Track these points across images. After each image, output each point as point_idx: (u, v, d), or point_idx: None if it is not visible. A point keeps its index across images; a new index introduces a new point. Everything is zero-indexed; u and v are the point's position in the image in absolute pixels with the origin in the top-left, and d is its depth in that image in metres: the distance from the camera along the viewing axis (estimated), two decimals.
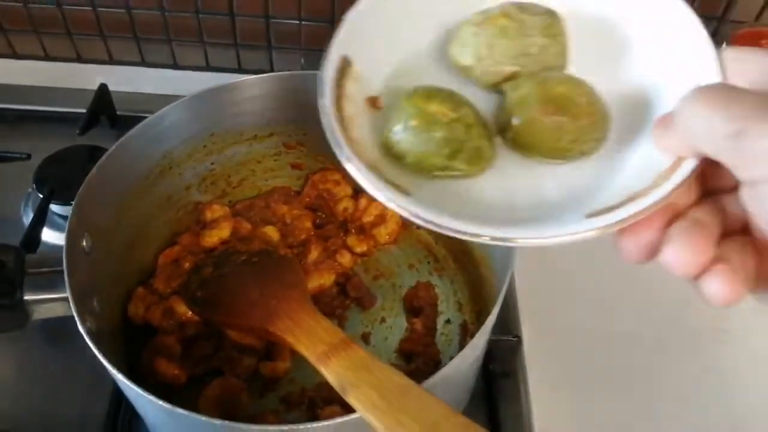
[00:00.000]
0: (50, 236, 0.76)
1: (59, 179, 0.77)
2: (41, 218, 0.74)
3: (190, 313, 0.61)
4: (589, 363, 0.69)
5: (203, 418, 0.41)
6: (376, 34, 0.41)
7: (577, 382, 0.68)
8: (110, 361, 0.45)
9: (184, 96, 0.62)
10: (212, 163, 0.69)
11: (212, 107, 0.64)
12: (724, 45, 0.77)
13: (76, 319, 0.47)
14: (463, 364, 0.52)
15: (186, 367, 0.59)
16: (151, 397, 0.42)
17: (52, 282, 0.51)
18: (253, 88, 0.65)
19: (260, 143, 0.70)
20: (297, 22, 0.91)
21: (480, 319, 0.66)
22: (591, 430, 0.65)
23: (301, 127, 0.70)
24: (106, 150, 0.79)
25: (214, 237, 0.67)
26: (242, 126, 0.68)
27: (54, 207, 0.77)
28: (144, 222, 0.65)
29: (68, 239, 0.51)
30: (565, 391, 0.67)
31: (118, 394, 0.63)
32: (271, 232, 0.68)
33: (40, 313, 0.52)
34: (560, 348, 0.70)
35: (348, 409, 0.55)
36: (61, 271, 0.49)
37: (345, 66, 0.39)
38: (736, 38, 0.78)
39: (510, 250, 0.53)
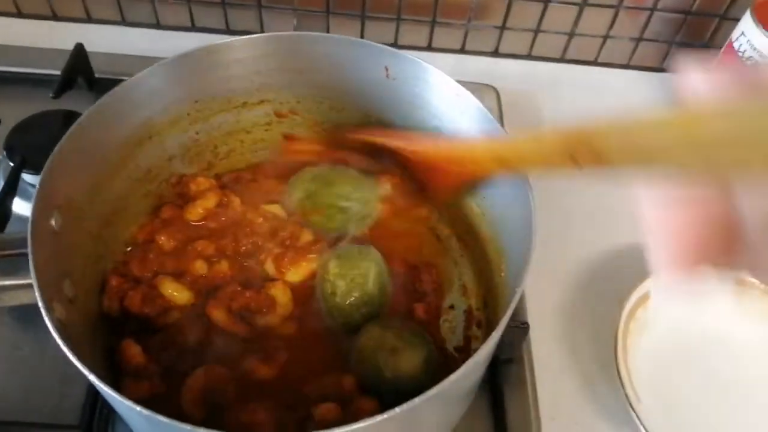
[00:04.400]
0: (21, 207, 0.70)
1: (31, 146, 0.72)
2: (12, 188, 0.68)
3: (175, 293, 0.57)
4: (595, 349, 0.67)
5: (188, 427, 0.36)
6: None
7: (583, 369, 0.66)
8: (80, 356, 0.40)
9: (167, 58, 0.56)
10: (197, 133, 0.64)
11: (197, 70, 0.59)
12: (747, 14, 0.73)
13: (42, 309, 0.42)
14: (478, 364, 0.48)
15: (161, 362, 0.55)
16: (129, 403, 0.38)
17: (15, 266, 0.45)
18: (242, 50, 0.59)
19: (249, 111, 0.65)
20: None
21: (488, 305, 0.62)
22: (596, 417, 0.63)
23: (294, 94, 0.65)
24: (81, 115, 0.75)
25: (198, 208, 0.62)
26: (230, 92, 0.63)
27: (26, 176, 0.71)
28: (122, 197, 0.60)
29: (34, 217, 0.46)
30: (571, 378, 0.65)
31: None
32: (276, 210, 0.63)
33: (4, 301, 0.47)
34: (566, 334, 0.68)
35: (343, 405, 0.51)
36: (26, 254, 0.44)
37: None
38: (758, 6, 0.73)
39: (526, 234, 0.48)
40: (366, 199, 0.63)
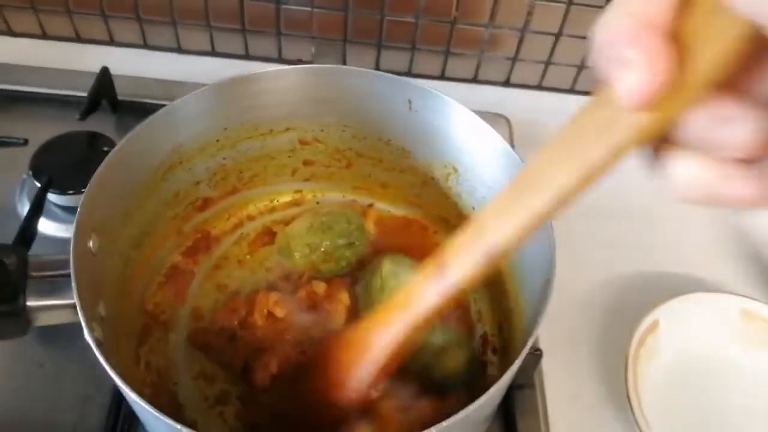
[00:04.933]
0: (47, 227, 0.72)
1: (57, 167, 0.73)
2: (38, 208, 0.70)
3: None
4: (606, 376, 0.68)
5: None
6: None
7: (594, 395, 0.67)
8: (120, 375, 0.42)
9: (188, 82, 0.59)
10: (224, 158, 0.66)
11: (228, 100, 0.61)
12: None
13: (84, 328, 0.44)
14: (498, 391, 0.49)
15: None
16: (168, 420, 0.39)
17: (56, 287, 0.47)
18: (271, 81, 0.61)
19: (275, 138, 0.67)
20: (309, 9, 0.87)
21: (502, 330, 0.64)
22: None
23: (319, 122, 0.67)
24: (106, 136, 0.77)
25: None
26: (257, 120, 0.64)
27: (51, 196, 0.73)
28: (151, 219, 0.62)
29: (76, 240, 0.48)
30: (582, 404, 0.66)
31: (117, 400, 0.60)
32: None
33: (43, 320, 0.48)
34: (577, 360, 0.69)
35: None
36: (67, 275, 0.46)
37: None
38: None
39: (545, 265, 0.50)
40: (359, 224, 0.66)
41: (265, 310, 0.59)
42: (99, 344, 0.44)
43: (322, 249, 0.65)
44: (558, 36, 0.89)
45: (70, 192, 0.72)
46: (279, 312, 0.58)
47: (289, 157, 0.69)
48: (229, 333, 0.60)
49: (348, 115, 0.66)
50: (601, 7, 0.84)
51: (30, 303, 0.47)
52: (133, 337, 0.60)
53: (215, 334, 0.60)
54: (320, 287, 0.62)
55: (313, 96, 0.63)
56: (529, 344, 0.47)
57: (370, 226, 0.70)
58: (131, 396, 0.41)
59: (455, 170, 0.65)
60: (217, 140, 0.64)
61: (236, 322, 0.60)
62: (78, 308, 0.44)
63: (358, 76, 0.62)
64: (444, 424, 0.41)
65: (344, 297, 0.62)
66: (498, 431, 0.63)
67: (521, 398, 0.64)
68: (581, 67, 0.93)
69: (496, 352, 0.64)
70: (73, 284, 0.45)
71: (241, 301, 0.61)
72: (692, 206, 0.84)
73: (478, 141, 0.60)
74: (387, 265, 0.61)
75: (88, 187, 0.50)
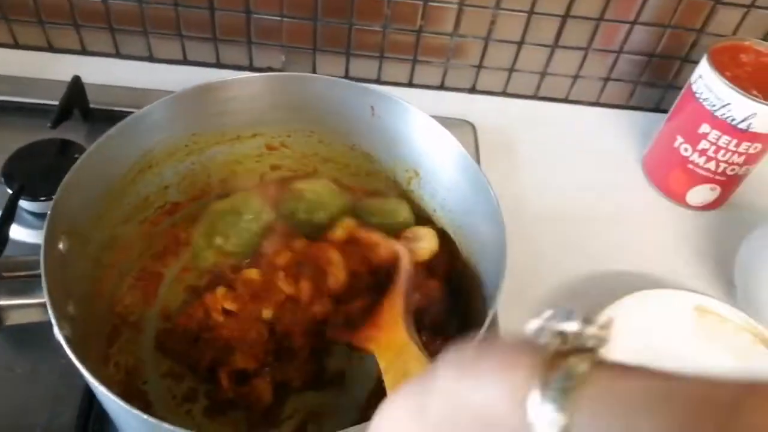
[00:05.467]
0: (18, 233, 0.73)
1: (29, 174, 0.74)
2: (10, 215, 0.71)
3: None
4: None
5: None
6: None
7: None
8: (90, 370, 0.43)
9: (159, 90, 0.61)
10: (192, 163, 0.67)
11: (196, 107, 0.63)
12: (704, 59, 0.79)
13: (54, 325, 0.45)
14: None
15: None
16: (136, 411, 0.41)
17: (27, 286, 0.49)
18: (238, 89, 0.63)
19: (243, 144, 0.69)
20: (279, 18, 0.89)
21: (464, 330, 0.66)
22: None
23: (285, 128, 0.69)
24: (77, 144, 0.78)
25: None
26: (225, 126, 0.66)
27: (23, 203, 0.74)
28: (120, 223, 0.63)
29: (46, 241, 0.49)
30: None
31: (88, 400, 0.61)
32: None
33: (14, 319, 0.50)
34: None
35: None
36: (38, 275, 0.47)
37: None
38: (713, 52, 0.79)
39: (499, 259, 0.53)
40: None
41: (219, 307, 0.59)
42: (69, 341, 0.45)
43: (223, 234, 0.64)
44: (520, 44, 0.92)
45: (42, 198, 0.73)
46: (231, 306, 0.59)
47: (257, 162, 0.71)
48: (192, 335, 0.61)
49: (314, 121, 0.68)
50: (560, 16, 0.87)
51: (1, 302, 0.49)
52: (102, 337, 0.61)
53: (179, 338, 0.61)
54: (252, 273, 0.62)
55: (280, 103, 0.65)
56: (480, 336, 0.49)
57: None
58: (100, 389, 0.43)
59: (417, 174, 0.67)
60: (186, 145, 0.65)
61: (196, 325, 0.60)
62: (48, 306, 0.46)
63: (321, 84, 0.64)
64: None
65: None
66: None
67: None
68: (543, 73, 0.96)
69: None
70: (44, 283, 0.47)
71: (197, 304, 0.62)
72: (649, 207, 0.88)
73: (437, 145, 0.63)
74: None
75: (59, 189, 0.52)
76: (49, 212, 0.51)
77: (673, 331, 0.71)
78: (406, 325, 0.52)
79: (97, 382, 0.42)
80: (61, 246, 0.52)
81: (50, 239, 0.50)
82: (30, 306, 0.49)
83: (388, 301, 0.55)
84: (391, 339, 0.52)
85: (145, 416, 0.41)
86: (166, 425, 0.40)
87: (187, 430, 0.40)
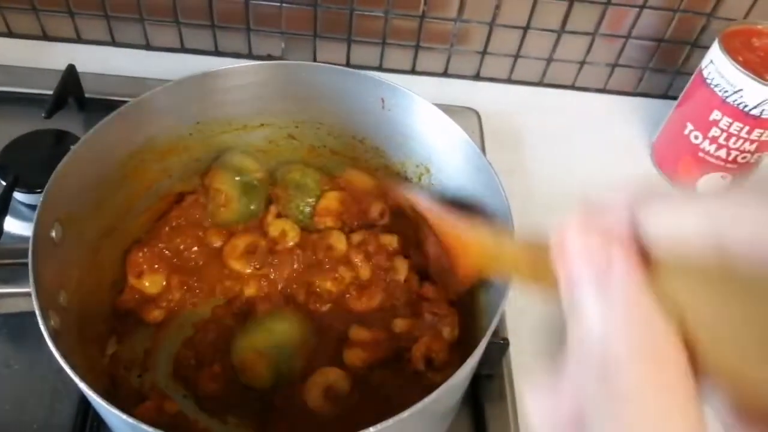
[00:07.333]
0: (13, 226, 0.71)
1: (23, 165, 0.73)
2: (4, 207, 0.69)
3: None
4: None
5: None
6: None
7: None
8: (71, 364, 0.42)
9: (156, 79, 0.59)
10: (197, 152, 0.65)
11: (198, 94, 0.61)
12: (715, 43, 0.77)
13: (38, 316, 0.43)
14: (457, 384, 0.50)
15: None
16: (116, 411, 0.39)
17: (16, 275, 0.47)
18: (243, 77, 0.61)
19: (249, 133, 0.67)
20: (278, 4, 0.87)
21: (467, 322, 0.64)
22: None
23: (293, 119, 0.67)
24: (73, 134, 0.77)
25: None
26: (231, 115, 0.65)
27: (17, 195, 0.72)
28: (122, 211, 0.61)
29: (36, 229, 0.47)
30: None
31: (86, 397, 0.59)
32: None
33: (1, 308, 0.48)
34: (545, 349, 0.68)
35: None
36: (26, 264, 0.45)
37: None
38: (725, 37, 0.77)
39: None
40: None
41: None
42: (54, 333, 0.43)
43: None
44: (526, 29, 0.90)
45: (37, 190, 0.71)
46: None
47: (265, 152, 0.69)
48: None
49: (322, 112, 0.66)
50: (566, 0, 0.85)
51: None
52: (100, 328, 0.60)
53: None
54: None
55: (286, 92, 0.63)
56: (488, 335, 0.47)
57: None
58: (81, 385, 0.41)
59: (428, 170, 0.65)
60: (190, 134, 0.64)
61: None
62: (33, 296, 0.44)
63: (330, 74, 0.62)
64: (404, 414, 0.41)
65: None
66: (467, 421, 0.63)
67: (489, 388, 0.64)
68: (549, 60, 0.94)
69: (461, 343, 0.63)
70: (30, 272, 0.45)
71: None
72: None
73: (450, 142, 0.60)
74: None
75: (52, 176, 0.50)
76: (41, 198, 0.49)
77: None
78: (466, 234, 0.49)
79: (78, 377, 0.40)
80: (53, 234, 0.50)
81: (42, 227, 0.48)
82: (18, 295, 0.47)
83: (435, 238, 0.53)
84: (476, 254, 0.48)
85: (123, 415, 0.39)
86: (144, 426, 0.38)
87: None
